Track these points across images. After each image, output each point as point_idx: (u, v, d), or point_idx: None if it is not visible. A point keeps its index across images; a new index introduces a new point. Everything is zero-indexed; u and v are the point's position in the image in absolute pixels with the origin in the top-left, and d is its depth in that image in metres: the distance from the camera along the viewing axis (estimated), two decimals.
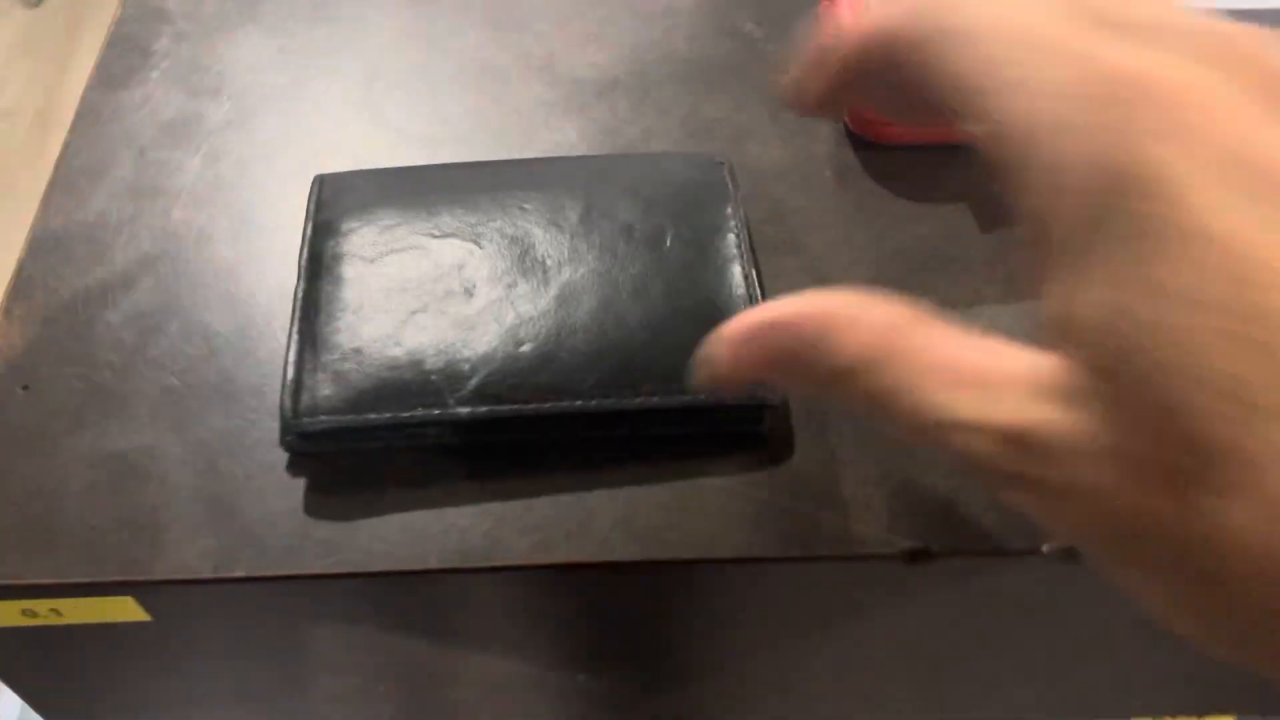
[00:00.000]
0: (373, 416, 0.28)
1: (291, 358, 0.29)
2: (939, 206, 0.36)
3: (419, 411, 0.28)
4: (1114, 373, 0.16)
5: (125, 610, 0.28)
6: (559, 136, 0.37)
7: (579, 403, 0.29)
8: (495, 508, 0.29)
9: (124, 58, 0.39)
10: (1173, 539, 0.16)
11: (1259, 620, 0.15)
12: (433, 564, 0.28)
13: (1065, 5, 0.19)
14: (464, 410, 0.28)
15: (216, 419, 0.30)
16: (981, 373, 0.19)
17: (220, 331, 0.32)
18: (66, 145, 0.37)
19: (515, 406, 0.28)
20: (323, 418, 0.28)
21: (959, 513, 0.28)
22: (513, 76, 0.39)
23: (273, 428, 0.29)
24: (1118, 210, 0.16)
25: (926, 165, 0.37)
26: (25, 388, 0.31)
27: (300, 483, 0.29)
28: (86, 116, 0.37)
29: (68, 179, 0.36)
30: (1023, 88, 0.18)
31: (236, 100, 0.38)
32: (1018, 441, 0.18)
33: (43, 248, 0.34)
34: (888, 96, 0.23)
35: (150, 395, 0.31)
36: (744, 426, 0.30)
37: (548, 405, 0.28)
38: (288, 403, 0.28)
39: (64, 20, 1.96)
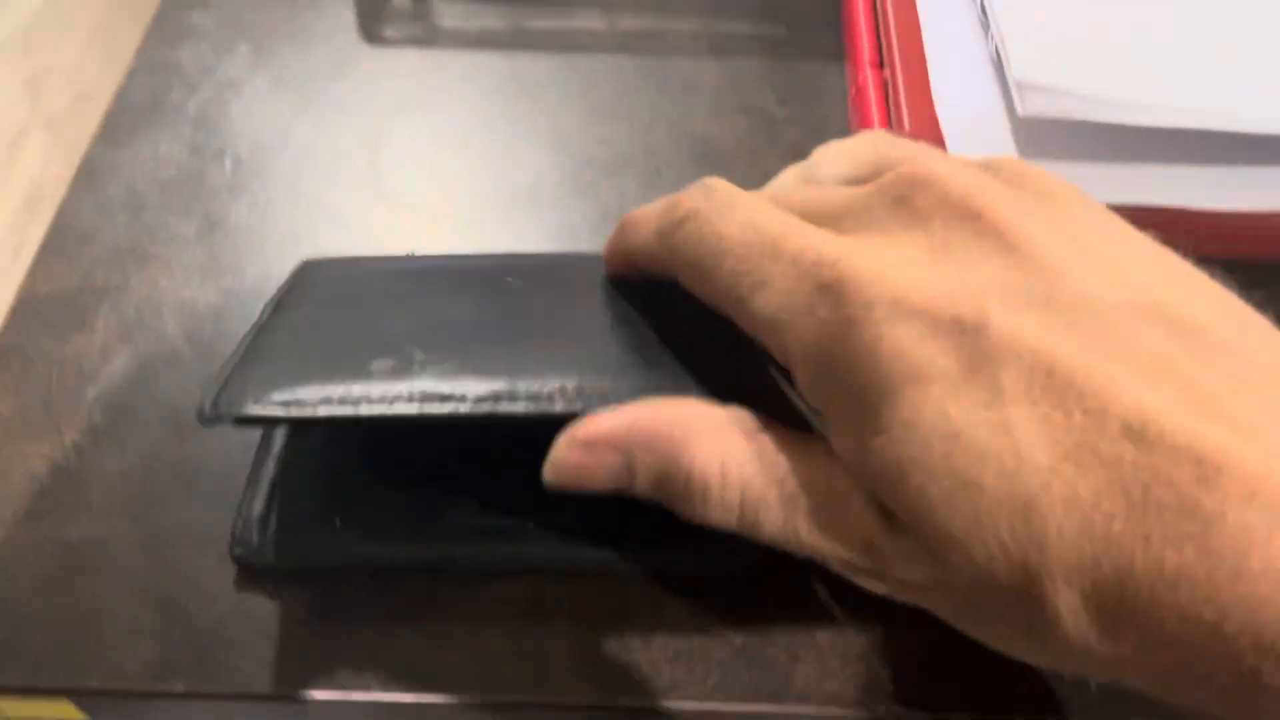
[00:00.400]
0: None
1: (265, 479, 0.29)
2: None
3: (356, 408, 0.26)
4: (875, 494, 0.21)
5: (63, 711, 0.28)
6: (562, 218, 0.36)
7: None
8: (446, 632, 0.27)
9: (130, 113, 0.39)
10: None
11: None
12: (375, 690, 0.26)
13: (772, 204, 0.23)
14: (412, 408, 0.25)
15: (175, 512, 0.29)
16: (828, 493, 0.22)
17: (191, 416, 0.31)
18: (63, 204, 0.36)
19: (467, 405, 0.25)
20: (253, 405, 0.26)
21: (946, 672, 0.27)
22: (520, 149, 0.38)
23: (221, 522, 0.28)
24: (850, 375, 0.20)
25: None
26: None
27: (250, 593, 0.28)
28: (86, 174, 0.37)
29: (59, 241, 0.35)
30: (759, 291, 0.22)
31: (239, 162, 0.37)
32: (867, 551, 0.21)
33: (26, 314, 0.33)
34: None
35: (111, 480, 0.30)
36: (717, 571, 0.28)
37: (501, 407, 0.25)
38: (254, 536, 0.28)
39: (141, 6, 2.00)
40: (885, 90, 0.36)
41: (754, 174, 0.37)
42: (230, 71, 0.40)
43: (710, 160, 0.38)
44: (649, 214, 0.26)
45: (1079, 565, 0.17)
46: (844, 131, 0.38)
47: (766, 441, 0.22)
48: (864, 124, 0.36)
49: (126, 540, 0.29)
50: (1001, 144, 0.33)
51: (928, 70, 0.36)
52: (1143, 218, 0.32)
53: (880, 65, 0.37)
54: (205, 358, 0.32)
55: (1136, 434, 0.17)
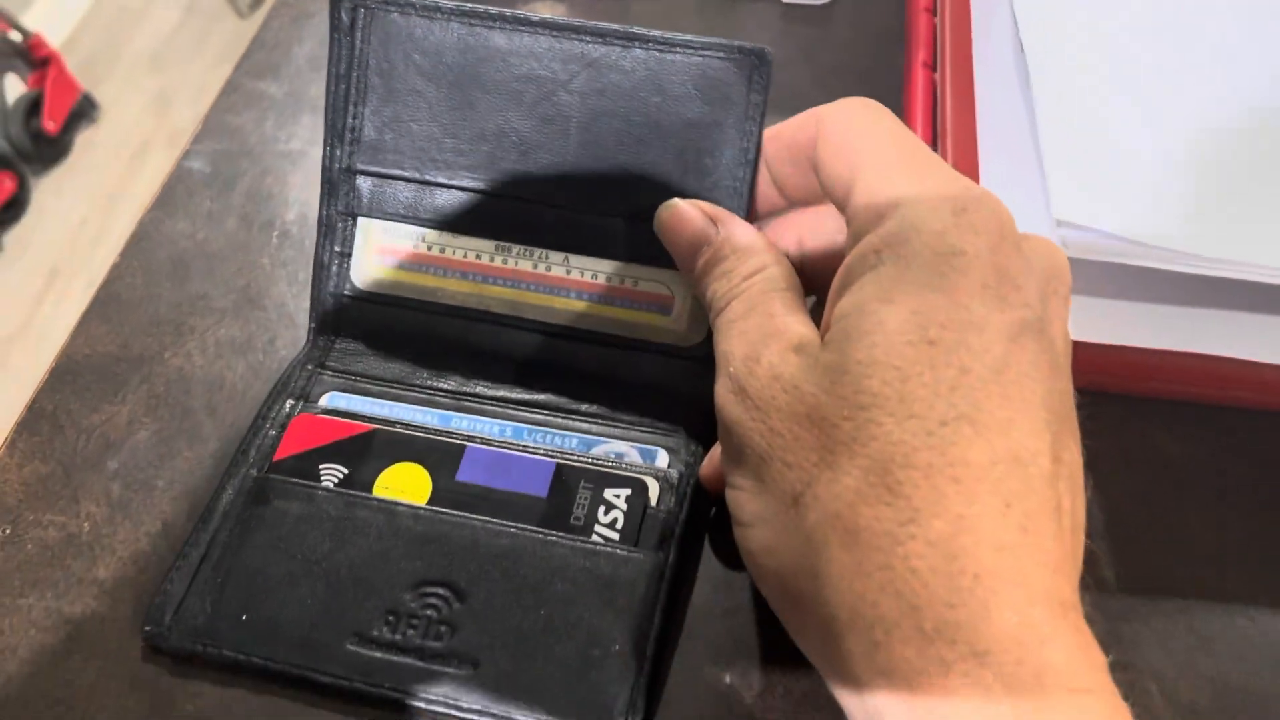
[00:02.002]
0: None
1: (194, 556, 0.29)
2: None
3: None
4: (825, 344, 0.23)
5: None
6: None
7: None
8: None
9: (188, 179, 0.40)
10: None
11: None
12: None
13: None
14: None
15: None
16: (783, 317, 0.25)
17: (205, 496, 0.31)
18: (113, 268, 0.37)
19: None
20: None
21: None
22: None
23: None
24: (920, 255, 0.22)
25: None
26: (7, 530, 0.31)
27: (229, 687, 0.28)
28: (138, 240, 0.38)
29: (104, 305, 0.36)
30: (906, 168, 0.25)
31: (285, 234, 0.38)
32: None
33: (62, 378, 0.34)
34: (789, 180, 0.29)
35: (120, 556, 0.30)
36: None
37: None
38: (167, 616, 0.28)
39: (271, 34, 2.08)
40: None
41: None
42: (290, 144, 0.41)
43: None
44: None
45: None
46: None
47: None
48: None
49: (125, 622, 0.29)
50: None
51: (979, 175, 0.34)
52: (1191, 364, 0.31)
53: None
54: (224, 436, 0.33)
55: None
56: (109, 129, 1.90)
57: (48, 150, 1.80)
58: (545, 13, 0.46)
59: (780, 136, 0.28)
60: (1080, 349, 0.31)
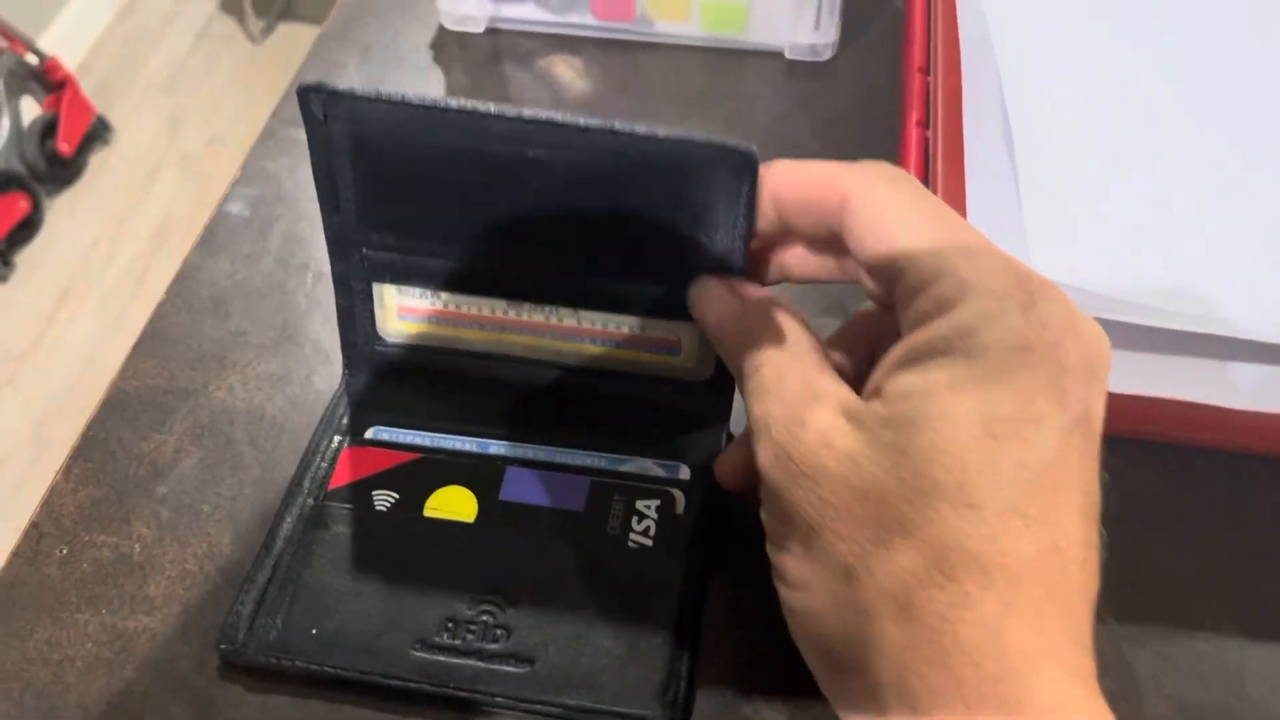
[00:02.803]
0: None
1: (260, 579, 0.31)
2: None
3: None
4: (878, 420, 0.24)
5: None
6: None
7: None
8: None
9: (227, 223, 0.43)
10: None
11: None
12: None
13: None
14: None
15: (222, 613, 0.32)
16: (820, 376, 0.27)
17: (247, 520, 0.34)
18: (159, 305, 0.40)
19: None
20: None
21: None
22: None
23: None
24: (989, 348, 0.24)
25: None
26: (64, 550, 0.33)
27: (268, 694, 0.30)
28: (182, 280, 0.41)
29: (151, 341, 0.39)
30: (964, 253, 0.25)
31: (319, 276, 0.41)
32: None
33: (113, 409, 0.37)
34: (803, 226, 0.29)
35: (169, 575, 0.33)
36: None
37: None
38: (240, 634, 0.30)
39: (281, 59, 2.11)
40: None
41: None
42: None
43: None
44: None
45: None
46: None
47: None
48: None
49: (174, 635, 0.31)
50: None
51: None
52: (1162, 409, 0.33)
53: None
54: (265, 464, 0.35)
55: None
56: (122, 151, 1.93)
57: (62, 171, 1.83)
58: (562, 69, 0.49)
59: (799, 188, 0.28)
60: None
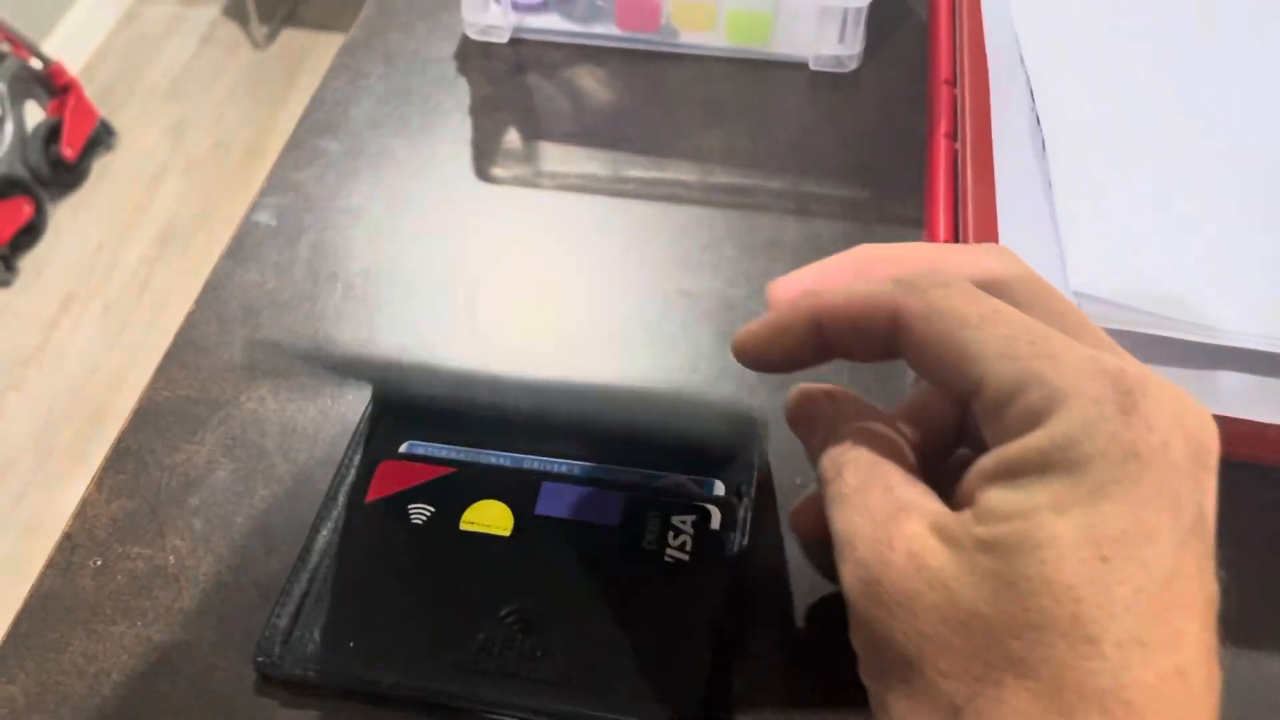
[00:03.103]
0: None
1: (296, 592, 0.32)
2: None
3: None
4: (978, 545, 0.22)
5: None
6: (642, 367, 0.38)
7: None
8: None
9: (255, 233, 0.43)
10: None
11: None
12: None
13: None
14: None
15: (256, 623, 0.32)
16: (908, 488, 0.24)
17: (280, 531, 0.34)
18: (189, 316, 0.40)
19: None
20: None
21: None
22: (609, 294, 0.41)
23: None
24: (1091, 463, 0.22)
25: None
26: (98, 562, 0.33)
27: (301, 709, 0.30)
28: (211, 289, 0.41)
29: (182, 351, 0.39)
30: (1050, 361, 0.23)
31: (349, 286, 0.41)
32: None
33: (144, 420, 0.37)
34: (854, 349, 0.27)
35: (203, 587, 0.33)
36: None
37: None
38: (277, 647, 0.31)
39: (285, 64, 2.12)
40: None
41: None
42: (351, 199, 0.44)
43: None
44: (853, 268, 0.28)
45: None
46: None
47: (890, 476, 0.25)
48: None
49: (209, 648, 0.31)
50: None
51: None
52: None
53: (954, 243, 0.39)
54: (298, 478, 0.35)
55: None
56: (126, 156, 1.93)
57: (65, 176, 1.83)
58: (586, 78, 0.49)
59: (842, 314, 0.26)
60: None
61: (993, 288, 0.25)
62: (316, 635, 0.31)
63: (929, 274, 0.25)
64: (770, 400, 0.37)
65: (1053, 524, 0.21)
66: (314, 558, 0.32)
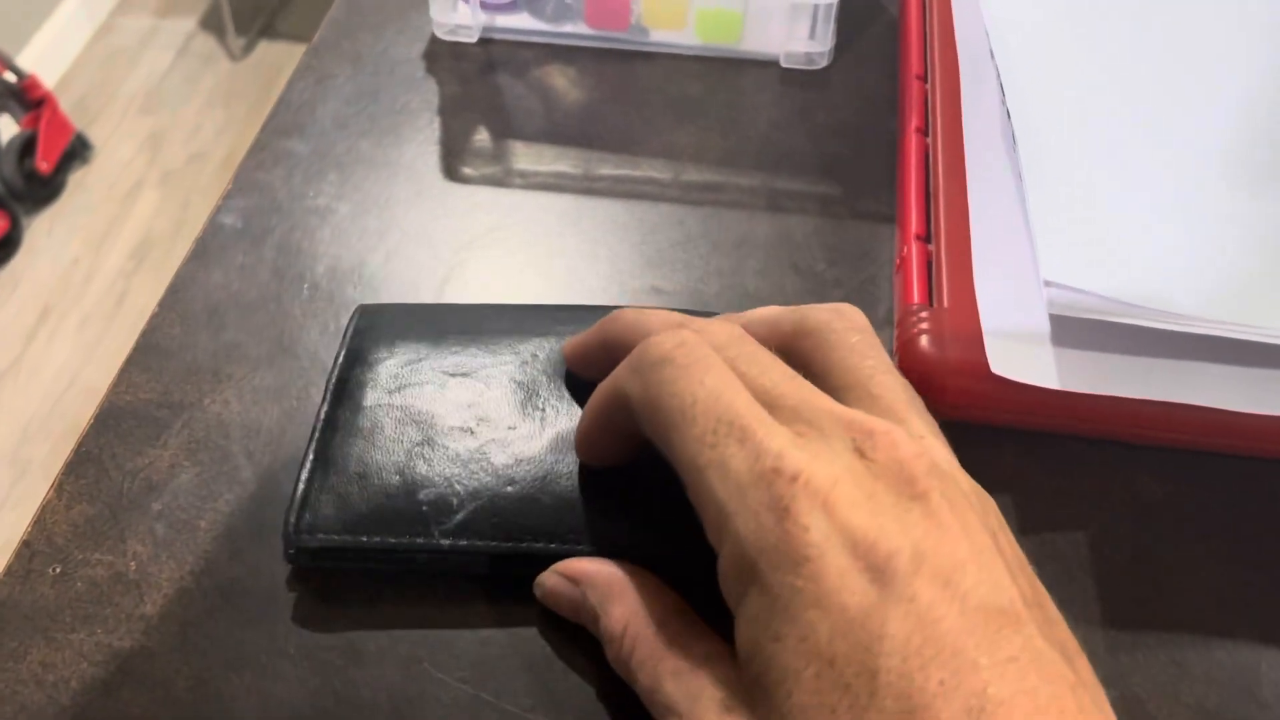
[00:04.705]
0: (365, 539, 0.31)
1: (304, 474, 0.32)
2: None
3: (406, 539, 0.31)
4: (752, 693, 0.23)
5: None
6: None
7: (552, 545, 0.31)
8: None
9: (220, 235, 0.42)
10: None
11: None
12: None
13: (738, 381, 0.25)
14: (446, 542, 0.31)
15: (221, 631, 0.31)
16: (694, 674, 0.25)
17: (245, 536, 0.33)
18: (150, 318, 0.39)
19: (494, 543, 0.31)
20: (320, 535, 0.31)
21: None
22: (578, 292, 0.40)
23: (271, 644, 0.31)
24: (767, 576, 0.23)
25: (978, 446, 0.35)
26: (57, 569, 0.33)
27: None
28: (175, 291, 0.40)
29: (144, 355, 0.38)
30: (718, 471, 0.24)
31: (316, 287, 0.40)
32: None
33: (106, 424, 0.36)
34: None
35: (164, 594, 0.32)
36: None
37: (523, 545, 0.31)
38: (292, 518, 0.31)
39: (261, 76, 2.11)
40: (929, 264, 0.38)
41: None
42: (317, 200, 0.43)
43: None
44: (623, 338, 0.30)
45: None
46: (888, 295, 0.40)
47: (673, 623, 0.27)
48: (905, 294, 0.37)
49: (171, 655, 0.31)
50: (1035, 330, 0.34)
51: (971, 251, 0.37)
52: (1171, 413, 0.33)
53: (926, 240, 0.38)
54: (263, 481, 0.34)
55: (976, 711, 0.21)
56: (101, 169, 1.92)
57: (40, 190, 1.81)
58: (556, 77, 0.48)
59: (597, 414, 0.30)
60: (1063, 398, 0.33)
61: (779, 339, 0.29)
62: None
63: (649, 349, 0.27)
64: None
65: (779, 655, 0.22)
66: (318, 430, 0.34)
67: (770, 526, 0.23)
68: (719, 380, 0.25)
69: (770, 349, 0.28)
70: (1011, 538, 0.25)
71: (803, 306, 0.29)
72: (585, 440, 0.31)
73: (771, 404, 0.25)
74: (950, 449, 0.27)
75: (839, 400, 0.26)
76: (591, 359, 0.32)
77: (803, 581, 0.22)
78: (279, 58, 2.17)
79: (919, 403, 0.28)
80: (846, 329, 0.28)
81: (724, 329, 0.28)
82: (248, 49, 2.17)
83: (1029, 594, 0.23)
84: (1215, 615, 0.32)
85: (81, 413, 1.56)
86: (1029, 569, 0.25)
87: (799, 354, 0.28)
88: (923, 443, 0.25)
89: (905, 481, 0.23)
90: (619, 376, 0.28)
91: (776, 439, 0.24)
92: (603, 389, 0.29)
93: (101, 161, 1.94)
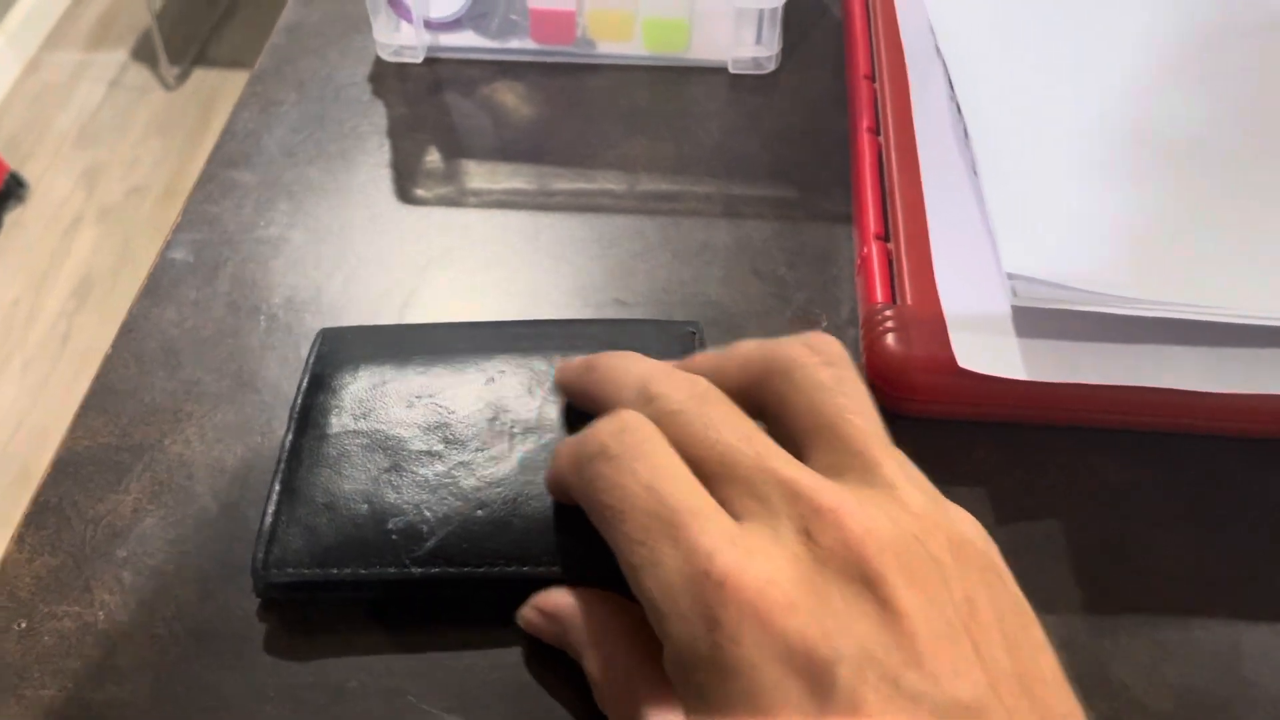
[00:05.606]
0: (335, 572, 0.31)
1: (270, 508, 0.32)
2: (956, 489, 0.35)
3: (376, 569, 0.31)
4: None
5: None
6: None
7: (525, 569, 0.31)
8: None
9: (172, 270, 0.41)
10: None
11: None
12: None
13: (680, 465, 0.25)
14: (417, 570, 0.31)
15: (195, 676, 0.30)
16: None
17: (215, 578, 0.32)
18: (106, 359, 0.38)
19: (465, 569, 0.31)
20: (289, 570, 0.31)
21: None
22: (542, 306, 0.40)
23: (249, 687, 0.30)
24: (702, 683, 0.22)
25: (949, 441, 0.36)
26: (23, 624, 0.32)
27: None
28: (128, 330, 0.39)
29: (100, 396, 0.37)
30: (649, 570, 0.23)
31: (273, 318, 0.39)
32: None
33: (64, 471, 0.35)
34: None
35: (136, 643, 0.31)
36: None
37: (495, 569, 0.31)
38: (260, 554, 0.31)
39: (198, 104, 2.08)
40: (889, 262, 0.38)
41: (762, 335, 0.38)
42: (269, 229, 0.43)
43: (722, 323, 0.39)
44: (597, 393, 0.30)
45: None
46: (850, 295, 0.40)
47: (650, 663, 0.26)
48: (868, 294, 0.37)
49: (147, 705, 0.30)
50: (999, 322, 0.35)
51: (930, 247, 0.37)
52: (1136, 397, 0.34)
53: (885, 238, 0.39)
54: (231, 519, 0.34)
55: None
56: (38, 207, 1.88)
57: None
58: (505, 94, 0.48)
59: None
60: (1030, 388, 0.34)
61: (750, 379, 0.28)
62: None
63: (585, 442, 0.26)
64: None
65: None
66: (282, 462, 0.33)
67: (702, 636, 0.22)
68: (653, 470, 0.24)
69: (744, 391, 0.27)
70: (1004, 586, 0.24)
71: (774, 342, 0.28)
72: (551, 488, 0.31)
73: (721, 474, 0.25)
74: (927, 484, 0.25)
75: (806, 445, 0.26)
76: (575, 399, 0.32)
77: (737, 696, 0.21)
78: (214, 84, 2.14)
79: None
80: (816, 365, 0.27)
81: (685, 387, 0.27)
82: (182, 77, 2.14)
83: (1006, 670, 0.22)
84: (1191, 595, 0.32)
85: (30, 456, 1.52)
86: (1025, 625, 0.23)
87: (770, 394, 0.27)
88: (880, 510, 0.23)
89: (854, 564, 0.22)
90: (560, 467, 0.28)
91: (709, 535, 0.23)
92: (550, 475, 0.30)
93: (37, 199, 1.90)
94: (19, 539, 0.33)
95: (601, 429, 0.26)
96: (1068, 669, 0.24)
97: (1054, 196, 0.36)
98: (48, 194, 1.91)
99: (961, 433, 0.36)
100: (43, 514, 0.34)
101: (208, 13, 2.26)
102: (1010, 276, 0.32)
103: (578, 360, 0.32)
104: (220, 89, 2.13)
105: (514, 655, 0.31)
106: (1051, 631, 0.30)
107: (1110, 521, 0.34)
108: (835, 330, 0.39)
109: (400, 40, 0.49)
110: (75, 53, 2.19)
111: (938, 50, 0.44)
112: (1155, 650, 0.31)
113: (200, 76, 2.16)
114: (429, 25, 0.49)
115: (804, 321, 0.39)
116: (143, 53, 2.17)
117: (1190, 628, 0.32)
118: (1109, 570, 0.33)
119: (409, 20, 0.48)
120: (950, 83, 0.41)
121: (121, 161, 1.98)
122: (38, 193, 1.91)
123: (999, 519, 0.34)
